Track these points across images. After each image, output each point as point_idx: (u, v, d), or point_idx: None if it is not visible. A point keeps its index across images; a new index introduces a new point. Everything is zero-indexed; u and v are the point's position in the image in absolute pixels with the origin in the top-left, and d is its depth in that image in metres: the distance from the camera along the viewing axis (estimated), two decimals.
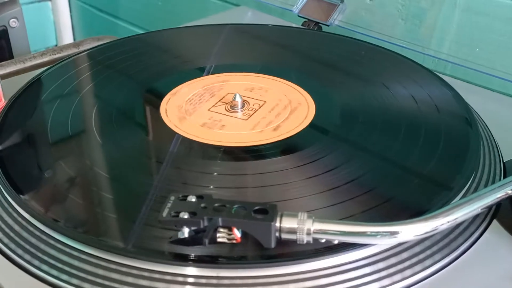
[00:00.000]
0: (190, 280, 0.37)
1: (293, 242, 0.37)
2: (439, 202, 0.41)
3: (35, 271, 0.39)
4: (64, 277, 0.38)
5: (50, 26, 1.34)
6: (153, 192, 0.43)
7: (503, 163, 0.49)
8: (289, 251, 0.37)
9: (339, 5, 0.72)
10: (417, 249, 0.39)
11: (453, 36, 0.68)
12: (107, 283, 0.37)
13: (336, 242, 0.37)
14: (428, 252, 0.39)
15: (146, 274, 0.37)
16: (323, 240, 0.37)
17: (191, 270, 0.37)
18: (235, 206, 0.37)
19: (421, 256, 0.39)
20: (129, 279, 0.37)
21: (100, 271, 0.38)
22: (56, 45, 1.34)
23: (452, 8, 0.68)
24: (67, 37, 1.34)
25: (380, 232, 0.36)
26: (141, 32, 1.15)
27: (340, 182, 0.44)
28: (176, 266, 0.37)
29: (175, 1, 1.07)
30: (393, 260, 0.38)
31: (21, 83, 0.58)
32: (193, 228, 0.36)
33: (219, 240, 0.37)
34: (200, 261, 0.37)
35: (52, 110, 0.54)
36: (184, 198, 0.38)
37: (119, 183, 0.46)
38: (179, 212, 0.37)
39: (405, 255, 0.39)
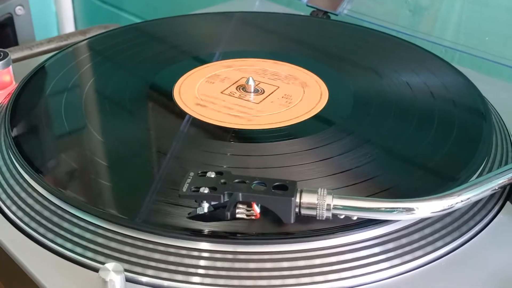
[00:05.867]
0: (205, 254, 0.37)
1: (306, 219, 0.37)
2: (452, 187, 0.41)
3: (52, 245, 0.39)
4: (79, 250, 0.39)
5: (52, 17, 1.34)
6: (164, 169, 0.43)
7: None
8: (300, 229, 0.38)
9: None
10: (434, 227, 0.39)
11: (461, 26, 0.69)
12: (109, 252, 0.38)
13: (355, 218, 0.37)
14: (445, 231, 0.39)
15: (143, 245, 0.38)
16: (342, 216, 0.37)
17: (205, 245, 0.37)
18: (255, 182, 0.37)
19: (439, 234, 0.39)
20: (141, 252, 0.38)
21: (114, 244, 0.38)
22: None
23: None
24: (69, 29, 1.34)
25: (397, 208, 0.37)
26: None
27: (351, 166, 0.44)
28: (192, 241, 0.37)
29: None
30: (410, 238, 0.39)
31: (29, 68, 0.58)
32: (213, 203, 0.37)
33: (238, 216, 0.37)
34: (216, 236, 0.37)
35: (65, 92, 0.54)
36: (204, 174, 0.38)
37: (132, 161, 0.46)
38: (199, 188, 0.37)
39: (421, 233, 0.39)
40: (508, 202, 0.44)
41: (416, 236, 0.39)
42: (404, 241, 0.38)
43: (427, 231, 0.39)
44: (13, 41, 0.91)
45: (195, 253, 0.37)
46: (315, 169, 0.44)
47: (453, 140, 0.47)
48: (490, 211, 0.42)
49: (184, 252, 0.37)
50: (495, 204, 0.43)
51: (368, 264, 0.37)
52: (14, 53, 0.76)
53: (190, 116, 0.50)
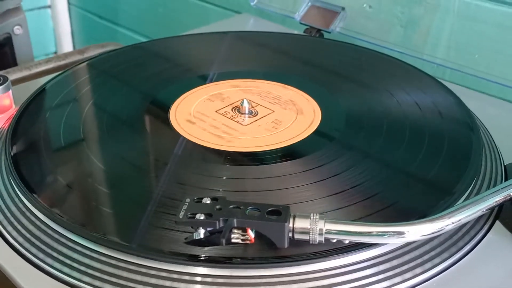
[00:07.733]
0: (198, 279, 0.38)
1: (299, 243, 0.38)
2: (443, 205, 0.42)
3: (50, 270, 0.40)
4: (66, 270, 0.40)
5: (50, 33, 1.35)
6: (158, 192, 0.44)
7: (504, 166, 0.50)
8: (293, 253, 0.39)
9: (340, 12, 0.74)
10: (424, 248, 0.40)
11: (451, 41, 0.70)
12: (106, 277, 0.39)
13: (347, 242, 0.38)
14: (435, 252, 0.40)
15: (145, 271, 0.38)
16: (334, 240, 0.38)
17: (201, 270, 0.38)
18: (249, 207, 0.38)
19: (428, 255, 0.40)
20: (138, 277, 0.38)
21: (116, 271, 0.39)
22: (55, 53, 1.35)
23: (449, 15, 0.69)
24: (67, 44, 1.35)
25: (388, 232, 0.38)
26: (142, 39, 1.17)
27: (346, 187, 0.45)
28: (187, 266, 0.38)
29: (176, 8, 1.08)
30: (400, 260, 0.40)
31: (28, 90, 0.59)
32: (208, 229, 0.38)
33: (233, 240, 0.38)
34: (210, 261, 0.38)
35: (63, 116, 0.55)
36: (199, 200, 0.39)
37: (127, 184, 0.47)
38: (195, 214, 0.38)
39: (412, 254, 0.40)
40: (497, 221, 0.45)
41: (407, 257, 0.40)
42: (396, 262, 0.39)
43: (418, 252, 0.40)
44: (11, 60, 0.92)
45: (188, 278, 0.38)
46: (310, 191, 0.45)
47: (442, 158, 0.48)
48: (480, 230, 0.43)
49: (176, 276, 0.38)
50: (484, 223, 0.44)
51: (362, 287, 0.38)
52: (13, 74, 0.77)
53: (183, 136, 0.51)
